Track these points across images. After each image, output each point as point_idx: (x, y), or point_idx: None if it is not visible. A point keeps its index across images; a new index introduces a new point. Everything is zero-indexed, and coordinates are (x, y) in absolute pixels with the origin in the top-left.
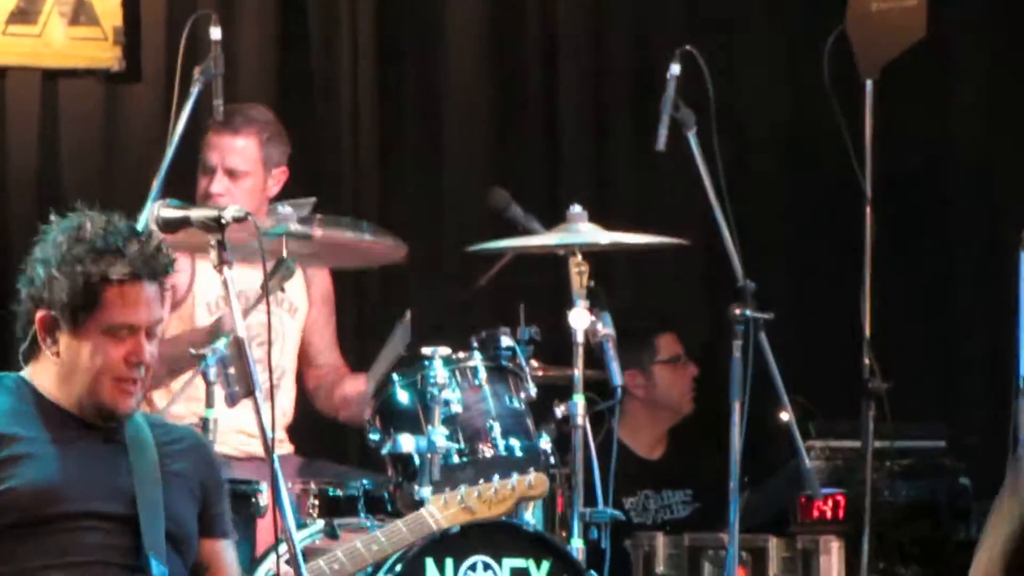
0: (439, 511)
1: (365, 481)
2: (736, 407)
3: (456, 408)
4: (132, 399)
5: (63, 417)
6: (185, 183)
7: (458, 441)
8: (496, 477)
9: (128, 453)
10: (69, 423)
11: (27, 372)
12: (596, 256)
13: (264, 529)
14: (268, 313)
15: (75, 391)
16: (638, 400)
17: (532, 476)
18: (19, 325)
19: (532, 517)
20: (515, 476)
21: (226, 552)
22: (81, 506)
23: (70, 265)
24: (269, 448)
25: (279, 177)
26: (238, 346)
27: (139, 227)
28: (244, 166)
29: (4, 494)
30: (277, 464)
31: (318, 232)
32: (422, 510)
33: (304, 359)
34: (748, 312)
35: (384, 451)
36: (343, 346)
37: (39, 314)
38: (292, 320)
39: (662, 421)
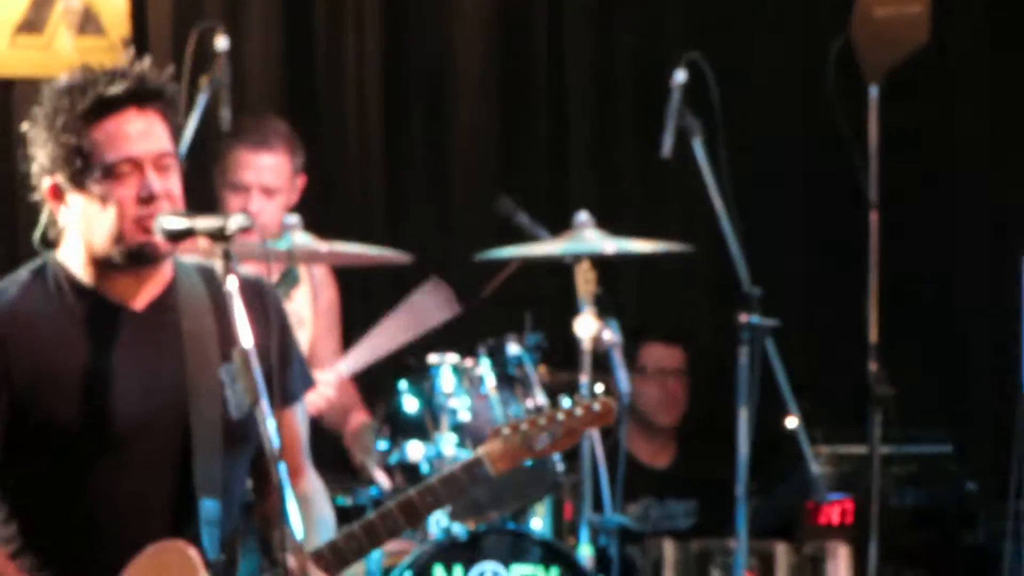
0: (497, 452)
1: (373, 489)
2: (743, 414)
3: (464, 416)
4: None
5: (100, 306)
6: (192, 193)
7: (466, 448)
8: (548, 407)
9: (180, 336)
10: (108, 313)
11: (54, 256)
12: (602, 263)
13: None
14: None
15: (103, 246)
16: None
17: (597, 403)
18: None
19: (540, 524)
20: (573, 402)
21: (292, 418)
22: (122, 428)
23: (53, 119)
24: (274, 456)
25: (300, 185)
26: (244, 357)
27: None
28: (278, 182)
29: (32, 423)
30: (284, 472)
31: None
32: (478, 451)
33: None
34: (754, 319)
35: (392, 459)
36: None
37: (46, 186)
38: (299, 332)
39: (651, 430)
